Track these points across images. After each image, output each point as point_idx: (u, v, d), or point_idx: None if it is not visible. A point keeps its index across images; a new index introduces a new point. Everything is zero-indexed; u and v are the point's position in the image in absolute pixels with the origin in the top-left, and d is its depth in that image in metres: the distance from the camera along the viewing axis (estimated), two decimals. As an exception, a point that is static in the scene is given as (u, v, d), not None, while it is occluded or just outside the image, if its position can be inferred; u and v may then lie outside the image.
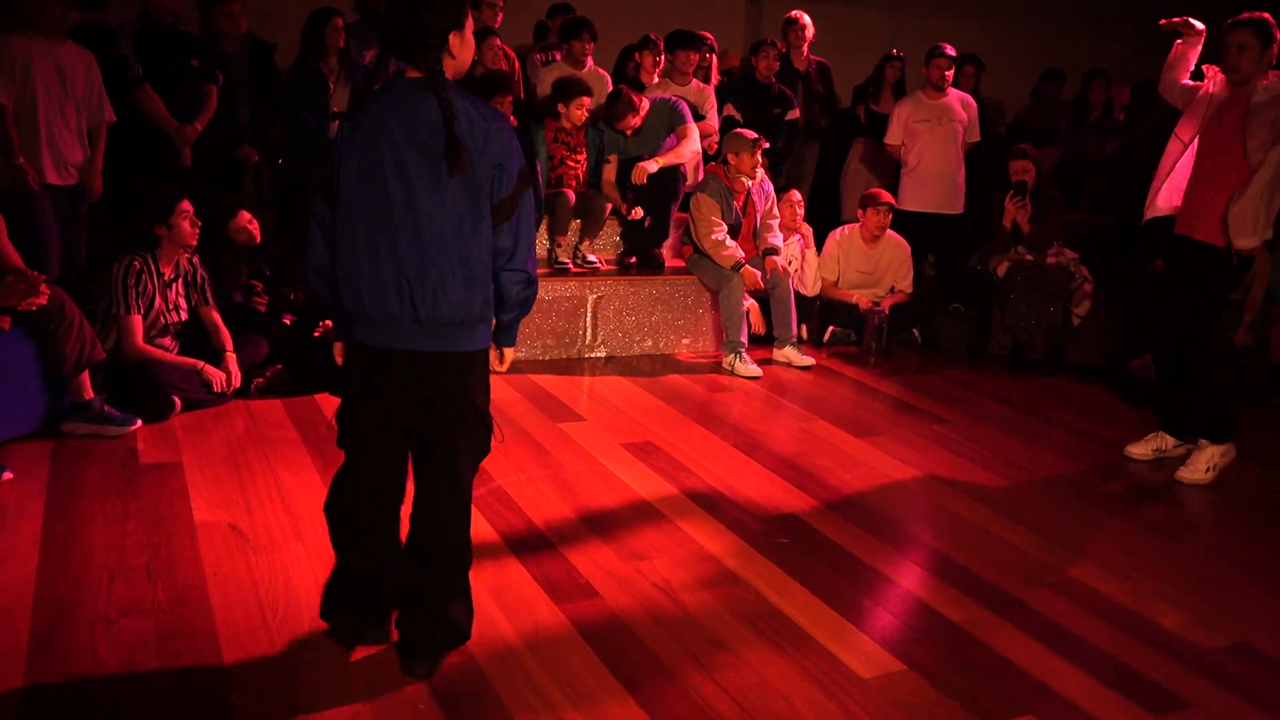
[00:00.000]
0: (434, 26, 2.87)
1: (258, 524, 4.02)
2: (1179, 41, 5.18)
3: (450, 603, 3.11)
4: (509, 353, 3.33)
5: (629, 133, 6.90)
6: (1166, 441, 5.35)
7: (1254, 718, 3.16)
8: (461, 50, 2.95)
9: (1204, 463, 5.09)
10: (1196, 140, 5.04)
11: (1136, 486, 5.06)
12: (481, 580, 3.64)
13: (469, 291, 2.92)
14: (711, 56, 8.20)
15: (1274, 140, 4.75)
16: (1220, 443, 5.09)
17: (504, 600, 3.53)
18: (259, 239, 5.97)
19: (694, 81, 7.61)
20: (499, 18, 7.53)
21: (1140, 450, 5.38)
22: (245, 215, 5.90)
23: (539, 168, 6.91)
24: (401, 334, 2.94)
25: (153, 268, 5.24)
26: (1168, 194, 5.17)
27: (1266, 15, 4.83)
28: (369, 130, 2.88)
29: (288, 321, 5.90)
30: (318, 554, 3.76)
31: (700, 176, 7.17)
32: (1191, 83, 5.15)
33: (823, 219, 8.03)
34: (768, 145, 6.81)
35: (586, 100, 6.86)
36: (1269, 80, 4.83)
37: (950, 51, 7.54)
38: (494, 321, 3.15)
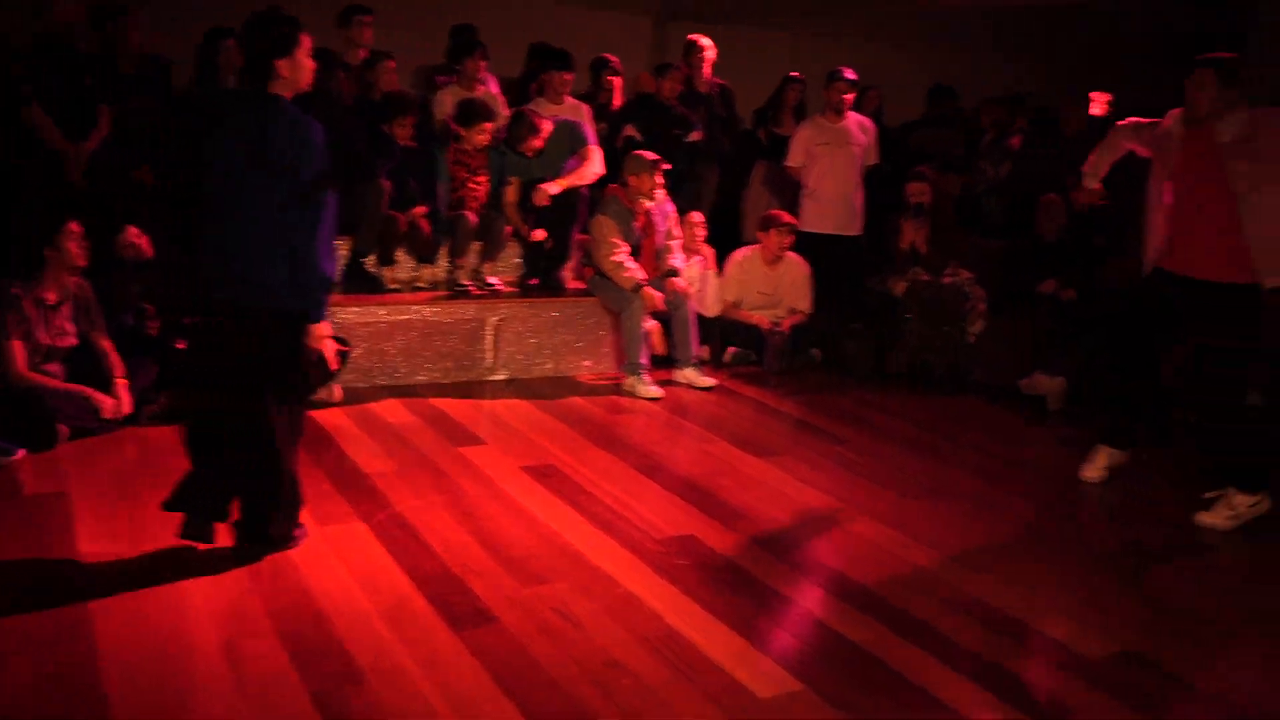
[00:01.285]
0: (262, 54, 3.74)
1: (146, 556, 3.92)
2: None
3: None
4: (316, 328, 3.92)
5: (530, 155, 6.88)
6: (1116, 457, 5.40)
7: (1135, 722, 3.24)
8: (294, 72, 3.77)
9: (1229, 510, 4.96)
10: (1170, 182, 4.99)
11: (1033, 501, 5.15)
12: (378, 608, 3.59)
13: (278, 270, 3.73)
14: (614, 79, 8.24)
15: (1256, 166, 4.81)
16: (1253, 492, 4.95)
17: (400, 628, 3.48)
18: (149, 253, 5.82)
19: (568, 100, 7.61)
20: (367, 34, 7.49)
21: (1094, 472, 5.40)
22: (133, 230, 5.76)
23: (440, 190, 6.86)
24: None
25: (35, 292, 5.09)
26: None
27: (1231, 55, 4.88)
28: (218, 135, 3.78)
29: (181, 346, 5.76)
30: (208, 588, 3.68)
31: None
32: (1148, 121, 5.15)
33: (724, 240, 8.08)
34: (668, 167, 6.84)
35: (488, 125, 6.83)
36: (1234, 115, 4.83)
37: (849, 75, 7.65)
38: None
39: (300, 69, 3.79)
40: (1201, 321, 4.92)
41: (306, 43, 3.82)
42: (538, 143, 6.83)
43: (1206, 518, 4.94)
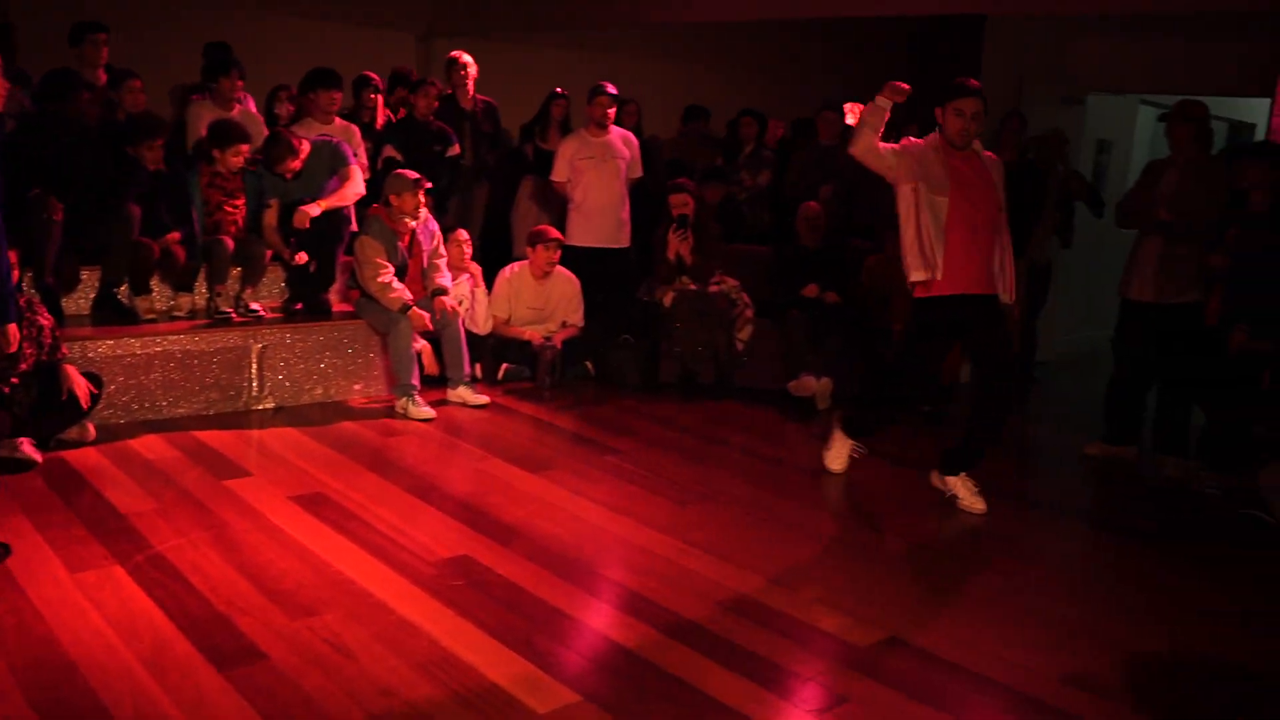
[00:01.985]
0: None
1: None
2: (876, 103, 5.17)
3: None
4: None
5: (289, 176, 6.72)
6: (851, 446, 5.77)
7: (904, 703, 3.41)
8: None
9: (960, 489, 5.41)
10: (945, 203, 5.08)
11: (799, 501, 5.36)
12: (138, 654, 3.44)
13: None
14: (376, 97, 8.14)
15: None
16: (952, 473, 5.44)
17: (162, 673, 3.35)
18: None
19: (337, 120, 7.51)
20: (104, 52, 7.19)
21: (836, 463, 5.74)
22: None
23: (194, 214, 6.63)
24: None
25: None
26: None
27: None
28: None
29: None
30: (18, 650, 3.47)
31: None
32: (889, 146, 5.17)
33: (496, 257, 8.10)
34: (430, 185, 6.79)
35: (244, 147, 6.64)
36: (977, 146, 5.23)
37: (611, 90, 7.77)
38: None
39: None
40: (986, 330, 5.20)
41: None
42: (296, 164, 6.68)
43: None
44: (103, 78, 7.16)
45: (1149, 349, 6.19)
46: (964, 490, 5.34)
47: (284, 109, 8.07)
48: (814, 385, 7.15)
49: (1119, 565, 4.85)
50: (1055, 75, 9.35)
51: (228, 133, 6.61)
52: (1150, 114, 10.42)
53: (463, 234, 7.40)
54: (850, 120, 8.91)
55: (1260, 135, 9.40)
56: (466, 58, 8.31)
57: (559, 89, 8.71)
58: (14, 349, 3.80)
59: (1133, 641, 3.98)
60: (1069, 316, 9.94)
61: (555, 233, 7.46)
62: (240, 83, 7.36)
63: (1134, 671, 3.75)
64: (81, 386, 5.36)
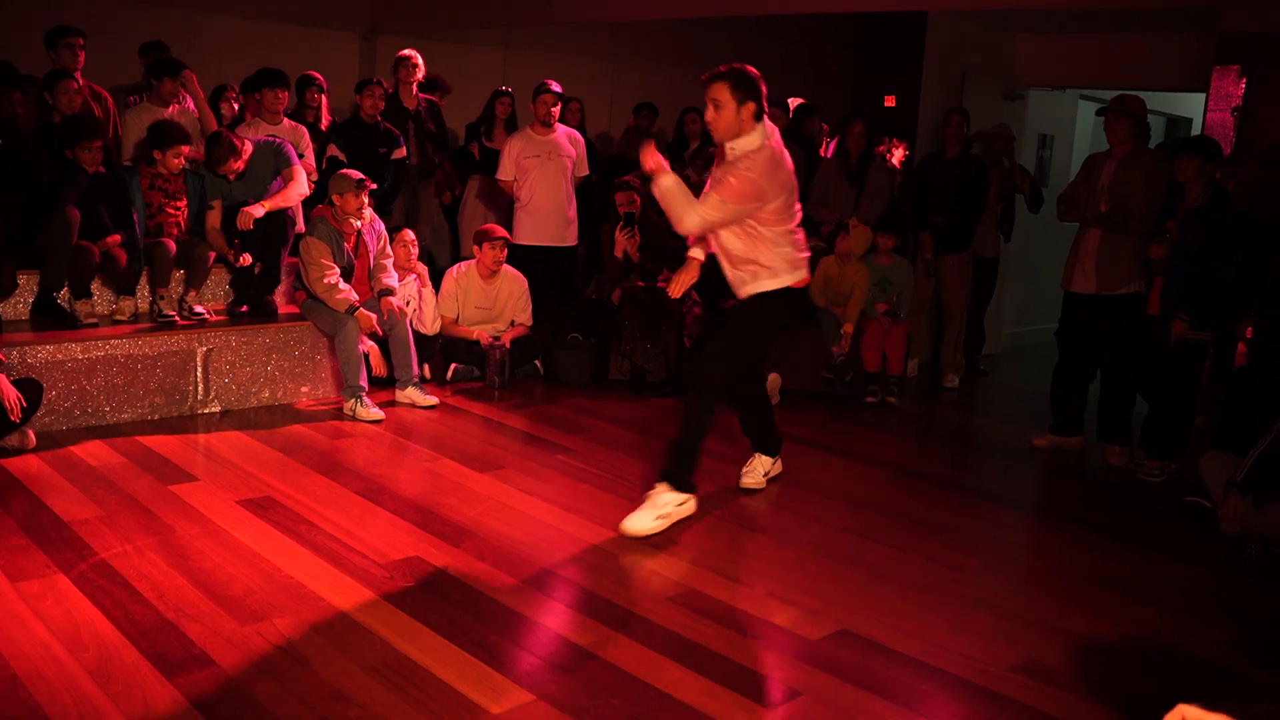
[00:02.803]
0: None
1: None
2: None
3: None
4: None
5: (232, 177, 6.65)
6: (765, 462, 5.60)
7: (856, 695, 3.43)
8: None
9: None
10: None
11: (749, 496, 5.39)
12: (84, 664, 3.39)
13: None
14: (321, 96, 8.06)
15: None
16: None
17: (108, 683, 3.29)
18: None
19: (285, 120, 7.44)
20: (80, 57, 7.06)
21: (752, 480, 5.52)
22: None
23: (135, 217, 6.54)
24: None
25: None
26: None
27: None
28: None
29: None
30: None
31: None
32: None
33: (443, 256, 8.07)
34: (374, 186, 6.74)
35: (185, 149, 6.56)
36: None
37: (555, 88, 7.76)
38: None
39: None
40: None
41: None
42: (239, 164, 6.61)
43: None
44: (81, 81, 7.02)
45: (1092, 340, 6.28)
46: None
47: (228, 109, 7.98)
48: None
49: (1065, 554, 4.91)
50: (997, 71, 9.46)
51: (168, 134, 6.52)
52: (1089, 108, 10.57)
53: (409, 234, 7.35)
54: (787, 119, 8.95)
55: (1197, 129, 9.57)
56: (417, 57, 8.26)
57: (504, 87, 8.69)
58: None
59: (1082, 630, 4.04)
60: (1015, 309, 10.07)
61: (501, 231, 7.43)
62: (183, 84, 7.25)
63: (1083, 660, 3.80)
64: (11, 397, 5.26)
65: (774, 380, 7.18)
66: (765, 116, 4.77)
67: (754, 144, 4.72)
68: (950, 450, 6.70)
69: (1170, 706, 1.88)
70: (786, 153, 4.88)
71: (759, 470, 5.51)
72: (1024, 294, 10.09)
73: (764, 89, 4.72)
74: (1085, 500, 5.72)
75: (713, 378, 4.97)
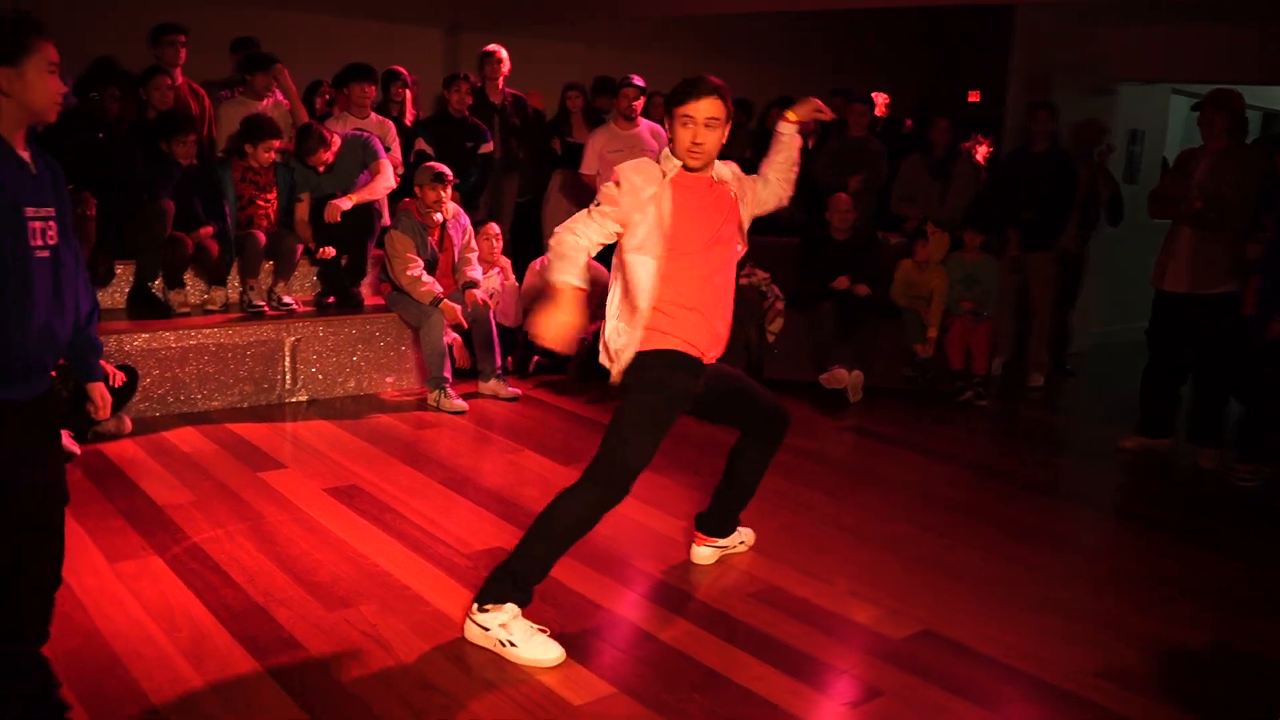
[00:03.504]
0: None
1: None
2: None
3: None
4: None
5: (321, 169, 6.77)
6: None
7: (937, 696, 3.40)
8: (22, 89, 2.72)
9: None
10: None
11: (830, 494, 5.36)
12: (178, 645, 3.48)
13: None
14: (406, 91, 8.16)
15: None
16: None
17: (201, 663, 3.38)
18: None
19: (373, 115, 7.54)
20: (182, 54, 7.21)
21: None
22: None
23: (227, 209, 6.68)
24: None
25: None
26: None
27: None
28: None
29: None
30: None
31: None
32: None
33: (527, 250, 8.12)
34: (456, 180, 6.81)
35: (276, 142, 6.69)
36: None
37: (638, 82, 7.76)
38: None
39: (33, 85, 2.74)
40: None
41: (49, 52, 2.78)
42: (328, 156, 6.73)
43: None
44: (180, 78, 7.20)
45: (1184, 340, 6.14)
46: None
47: (320, 104, 8.11)
48: (845, 378, 7.14)
49: (1153, 558, 4.81)
50: (1086, 65, 9.28)
51: (259, 127, 6.66)
52: (1182, 103, 10.33)
53: (494, 228, 7.42)
54: (878, 111, 8.89)
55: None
56: (502, 52, 8.32)
57: (573, 81, 8.72)
58: (106, 414, 3.36)
59: (1166, 635, 3.95)
60: (1103, 308, 9.88)
61: (585, 226, 7.44)
62: (275, 78, 7.38)
63: (1165, 665, 3.73)
64: (110, 372, 5.39)
65: (856, 377, 7.13)
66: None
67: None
68: (1034, 450, 6.60)
69: (1250, 713, 1.84)
70: None
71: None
72: (1114, 292, 9.89)
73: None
74: (1172, 504, 5.60)
75: None
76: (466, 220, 7.02)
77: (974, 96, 9.19)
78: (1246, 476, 5.81)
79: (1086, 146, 8.17)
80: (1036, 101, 8.06)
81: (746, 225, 4.01)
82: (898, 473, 5.74)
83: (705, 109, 3.60)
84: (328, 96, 8.10)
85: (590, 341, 7.30)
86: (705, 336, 3.78)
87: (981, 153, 8.39)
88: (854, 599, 4.10)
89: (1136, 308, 8.47)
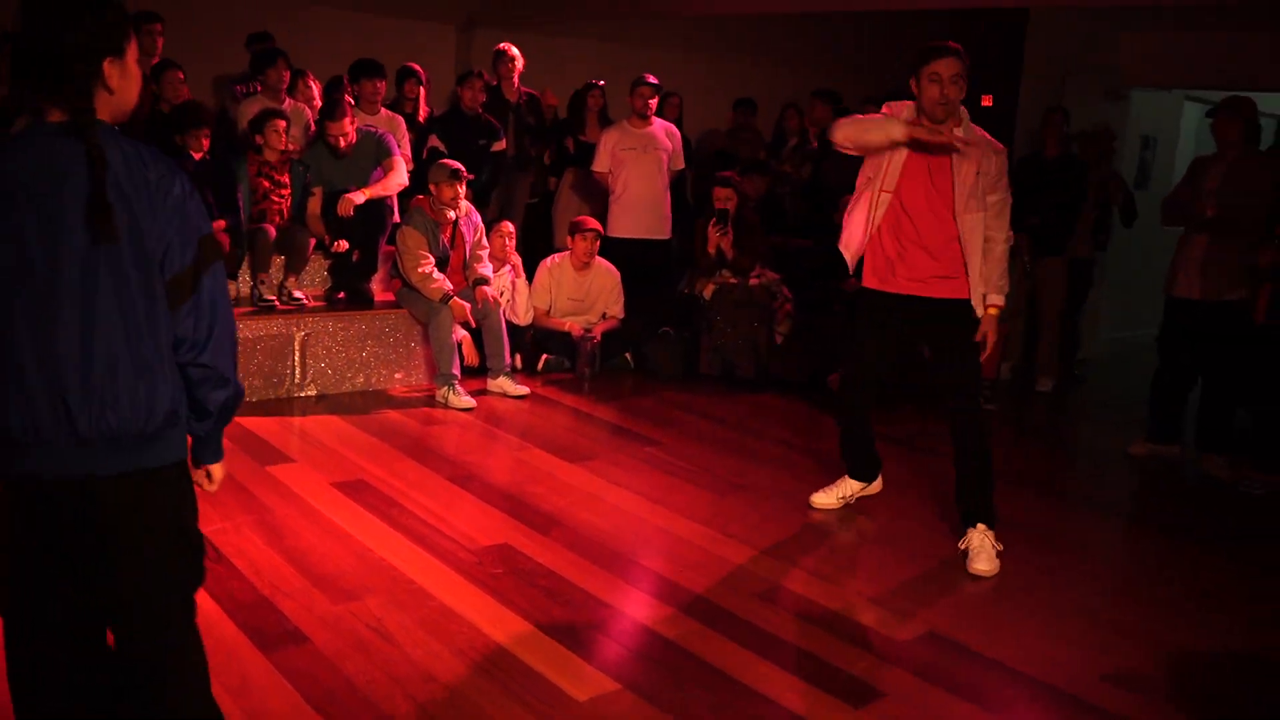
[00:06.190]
0: (81, 51, 2.20)
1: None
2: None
3: None
4: (217, 470, 2.63)
5: (341, 144, 6.74)
6: (851, 487, 5.17)
7: (942, 698, 3.41)
8: (123, 84, 2.31)
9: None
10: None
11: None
12: (182, 635, 3.49)
13: (147, 392, 2.27)
14: (419, 88, 8.17)
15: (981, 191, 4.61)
16: (992, 526, 4.61)
17: (208, 654, 3.39)
18: None
19: (383, 111, 7.56)
20: (159, 44, 7.24)
21: (825, 500, 5.15)
22: None
23: (241, 203, 6.70)
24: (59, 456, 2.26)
25: None
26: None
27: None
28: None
29: None
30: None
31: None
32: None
33: (538, 248, 8.13)
34: (470, 177, 6.82)
35: (280, 123, 6.70)
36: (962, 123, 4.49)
37: (652, 80, 7.76)
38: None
39: (132, 79, 2.36)
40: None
41: (134, 44, 2.38)
42: (349, 126, 6.73)
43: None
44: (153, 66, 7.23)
45: (1194, 347, 6.13)
46: (977, 544, 4.54)
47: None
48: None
49: (1161, 564, 4.80)
50: (1099, 70, 9.27)
51: (262, 115, 6.72)
52: (1195, 109, 10.31)
53: (507, 226, 7.44)
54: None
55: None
56: (515, 50, 8.33)
57: (595, 79, 8.72)
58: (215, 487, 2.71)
59: (1175, 641, 3.95)
60: (1113, 313, 9.87)
61: (593, 223, 7.47)
62: (287, 73, 7.40)
63: (1174, 671, 3.73)
64: None
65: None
66: None
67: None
68: (1042, 454, 6.59)
69: None
70: None
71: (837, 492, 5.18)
72: (1124, 298, 9.88)
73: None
74: (1181, 509, 5.59)
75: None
76: (478, 218, 7.03)
77: (987, 101, 9.16)
78: (1256, 485, 5.79)
79: (1093, 151, 8.15)
80: (1052, 106, 8.05)
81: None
82: (905, 474, 5.73)
83: (948, 67, 4.30)
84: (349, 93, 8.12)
85: (597, 342, 7.32)
86: None
87: None
88: (861, 600, 4.11)
89: (1146, 314, 8.45)
